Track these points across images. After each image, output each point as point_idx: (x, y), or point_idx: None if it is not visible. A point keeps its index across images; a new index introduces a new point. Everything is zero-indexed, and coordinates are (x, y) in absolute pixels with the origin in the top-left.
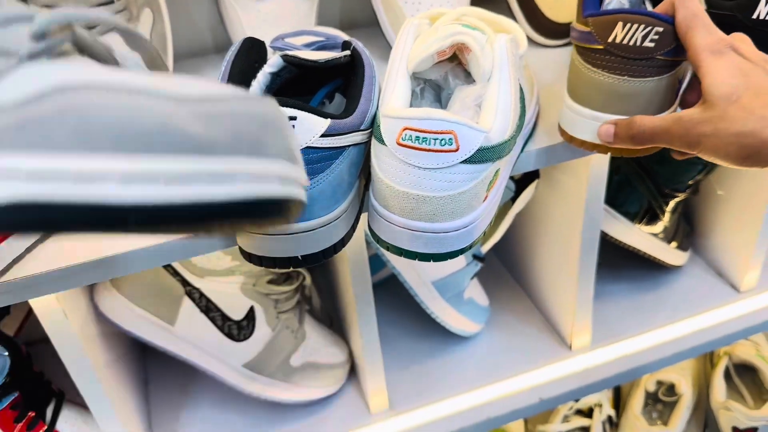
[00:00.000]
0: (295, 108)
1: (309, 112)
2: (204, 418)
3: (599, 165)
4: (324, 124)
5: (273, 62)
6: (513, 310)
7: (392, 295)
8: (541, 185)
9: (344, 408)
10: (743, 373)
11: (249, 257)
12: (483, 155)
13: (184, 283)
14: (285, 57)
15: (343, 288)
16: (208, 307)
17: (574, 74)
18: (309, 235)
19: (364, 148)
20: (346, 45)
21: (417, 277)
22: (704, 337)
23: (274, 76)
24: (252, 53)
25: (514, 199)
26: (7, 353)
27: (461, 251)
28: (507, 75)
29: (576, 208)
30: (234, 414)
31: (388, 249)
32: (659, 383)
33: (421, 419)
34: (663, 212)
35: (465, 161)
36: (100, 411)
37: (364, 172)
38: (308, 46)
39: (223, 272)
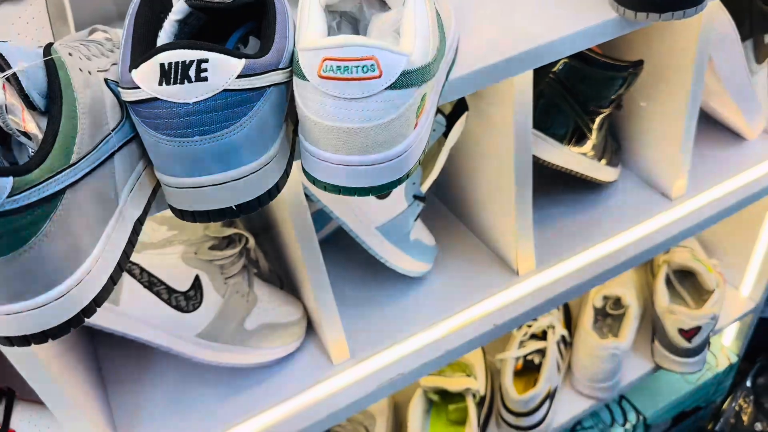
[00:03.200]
0: (206, 50)
1: (221, 53)
2: (166, 394)
3: (524, 91)
4: (239, 64)
5: (178, 9)
6: (459, 245)
7: (340, 248)
8: (470, 118)
9: (307, 363)
10: (682, 278)
11: (182, 214)
12: (407, 80)
13: None
14: (190, 2)
15: (291, 249)
16: (151, 282)
17: None
18: (241, 183)
19: (286, 90)
20: None
21: (361, 224)
22: (642, 246)
23: (182, 24)
24: (155, 3)
25: (446, 134)
26: None
27: (398, 181)
28: None
29: (506, 136)
30: (197, 384)
31: (325, 189)
32: (606, 298)
33: (383, 362)
34: (590, 130)
35: (390, 87)
36: (55, 405)
37: (290, 116)
38: None
39: (160, 244)
